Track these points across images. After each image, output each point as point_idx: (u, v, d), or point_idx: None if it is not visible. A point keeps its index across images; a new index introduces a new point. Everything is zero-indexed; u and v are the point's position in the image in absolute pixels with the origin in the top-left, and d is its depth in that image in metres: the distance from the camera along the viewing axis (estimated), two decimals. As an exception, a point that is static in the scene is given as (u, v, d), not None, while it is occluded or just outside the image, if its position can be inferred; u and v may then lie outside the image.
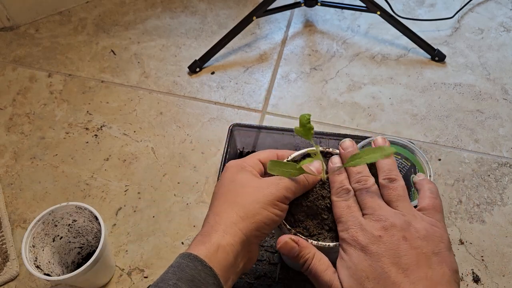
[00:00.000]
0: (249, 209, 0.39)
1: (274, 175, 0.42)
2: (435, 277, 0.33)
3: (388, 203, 0.39)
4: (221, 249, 0.37)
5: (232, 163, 0.44)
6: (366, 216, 0.38)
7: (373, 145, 0.45)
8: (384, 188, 0.40)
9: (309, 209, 0.43)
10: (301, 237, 0.41)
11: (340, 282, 0.36)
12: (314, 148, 0.44)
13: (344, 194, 0.40)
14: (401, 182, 0.40)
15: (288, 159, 0.46)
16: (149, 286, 0.35)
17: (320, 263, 0.38)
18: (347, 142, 0.44)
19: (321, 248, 0.41)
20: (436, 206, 0.39)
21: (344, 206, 0.39)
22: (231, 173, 0.43)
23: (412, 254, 0.34)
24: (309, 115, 0.42)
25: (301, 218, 0.43)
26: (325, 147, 0.48)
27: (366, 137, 0.53)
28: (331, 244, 0.40)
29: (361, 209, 0.39)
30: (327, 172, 0.44)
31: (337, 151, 0.47)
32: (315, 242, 0.40)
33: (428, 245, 0.35)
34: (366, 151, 0.41)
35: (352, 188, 0.41)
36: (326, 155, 0.48)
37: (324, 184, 0.44)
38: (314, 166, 0.44)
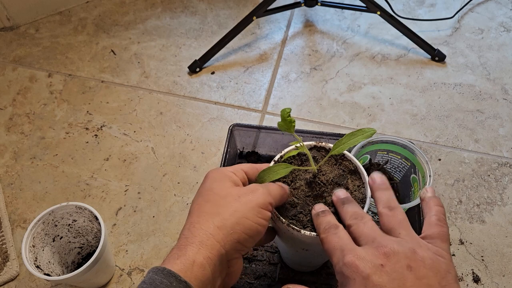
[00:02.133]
0: (228, 219, 0.36)
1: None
2: None
3: (388, 231, 0.36)
4: (197, 264, 0.34)
5: (212, 171, 0.41)
6: (363, 246, 0.35)
7: (369, 180, 0.42)
8: (384, 216, 0.37)
9: (303, 204, 0.44)
10: (294, 228, 0.41)
11: None
12: (297, 140, 0.44)
13: (332, 229, 0.37)
14: (401, 210, 0.38)
15: (281, 154, 0.47)
16: None
17: None
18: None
19: (313, 239, 0.41)
20: (442, 235, 0.36)
21: (335, 239, 0.36)
22: (210, 182, 0.40)
23: (418, 285, 0.31)
24: (289, 109, 0.42)
25: (294, 212, 0.43)
26: (318, 142, 0.48)
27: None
28: None
29: (357, 241, 0.36)
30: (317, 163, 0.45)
31: (331, 145, 0.47)
32: (308, 233, 0.41)
33: (435, 276, 0.32)
34: (347, 136, 0.42)
35: (347, 225, 0.38)
36: (320, 150, 0.48)
37: (315, 177, 0.44)
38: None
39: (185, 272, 0.33)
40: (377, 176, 0.41)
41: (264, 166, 0.44)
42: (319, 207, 0.41)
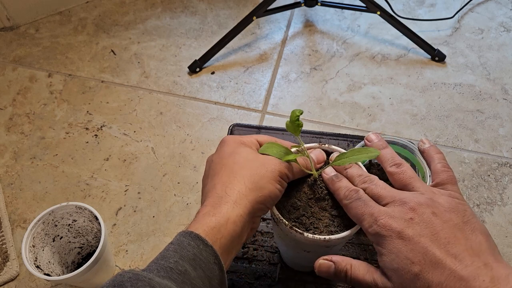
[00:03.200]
0: (258, 182, 0.39)
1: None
2: (474, 246, 0.34)
3: (402, 187, 0.39)
4: (231, 221, 0.37)
5: (230, 137, 0.44)
6: (387, 205, 0.38)
7: (366, 142, 0.46)
8: (394, 175, 0.40)
9: (306, 207, 0.43)
10: (297, 230, 0.41)
11: (387, 277, 0.35)
12: (299, 143, 0.44)
13: (354, 195, 0.40)
14: (407, 164, 0.41)
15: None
16: (149, 263, 0.35)
17: (359, 269, 0.38)
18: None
19: (316, 242, 0.41)
20: (450, 179, 0.40)
21: (361, 205, 0.39)
22: (232, 147, 0.43)
23: (446, 227, 0.34)
24: (300, 112, 0.42)
25: (297, 215, 0.43)
26: (321, 143, 0.48)
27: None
28: (326, 237, 0.41)
29: (377, 201, 0.39)
30: (318, 169, 0.45)
31: (334, 147, 0.47)
32: (310, 236, 0.41)
33: (457, 216, 0.35)
34: (352, 152, 0.42)
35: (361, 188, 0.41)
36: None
37: (316, 181, 0.44)
38: (315, 154, 0.45)
39: (219, 229, 0.36)
40: (373, 135, 0.45)
41: (283, 142, 0.45)
42: (330, 170, 0.43)
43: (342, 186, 0.41)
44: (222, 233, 0.36)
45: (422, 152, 0.44)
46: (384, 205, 0.38)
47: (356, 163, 0.44)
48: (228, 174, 0.40)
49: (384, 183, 0.40)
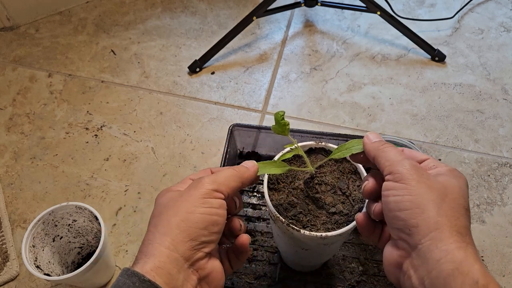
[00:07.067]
0: (171, 221, 0.34)
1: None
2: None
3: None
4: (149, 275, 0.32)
5: (160, 193, 0.39)
6: None
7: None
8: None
9: (303, 204, 0.44)
10: (294, 228, 0.41)
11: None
12: (292, 143, 0.44)
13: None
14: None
15: (275, 159, 0.46)
16: None
17: None
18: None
19: (313, 239, 0.41)
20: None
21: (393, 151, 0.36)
22: (159, 202, 0.38)
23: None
24: (283, 112, 0.42)
25: (294, 212, 0.43)
26: (317, 142, 0.48)
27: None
28: (323, 234, 0.41)
29: None
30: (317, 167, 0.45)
31: (330, 145, 0.48)
32: (307, 233, 0.41)
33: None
34: (351, 142, 0.40)
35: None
36: (320, 151, 0.48)
37: (313, 178, 0.44)
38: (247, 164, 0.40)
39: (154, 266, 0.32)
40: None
41: (218, 168, 0.40)
42: (372, 136, 0.38)
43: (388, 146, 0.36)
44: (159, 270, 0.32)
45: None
46: None
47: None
48: (147, 233, 0.35)
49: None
